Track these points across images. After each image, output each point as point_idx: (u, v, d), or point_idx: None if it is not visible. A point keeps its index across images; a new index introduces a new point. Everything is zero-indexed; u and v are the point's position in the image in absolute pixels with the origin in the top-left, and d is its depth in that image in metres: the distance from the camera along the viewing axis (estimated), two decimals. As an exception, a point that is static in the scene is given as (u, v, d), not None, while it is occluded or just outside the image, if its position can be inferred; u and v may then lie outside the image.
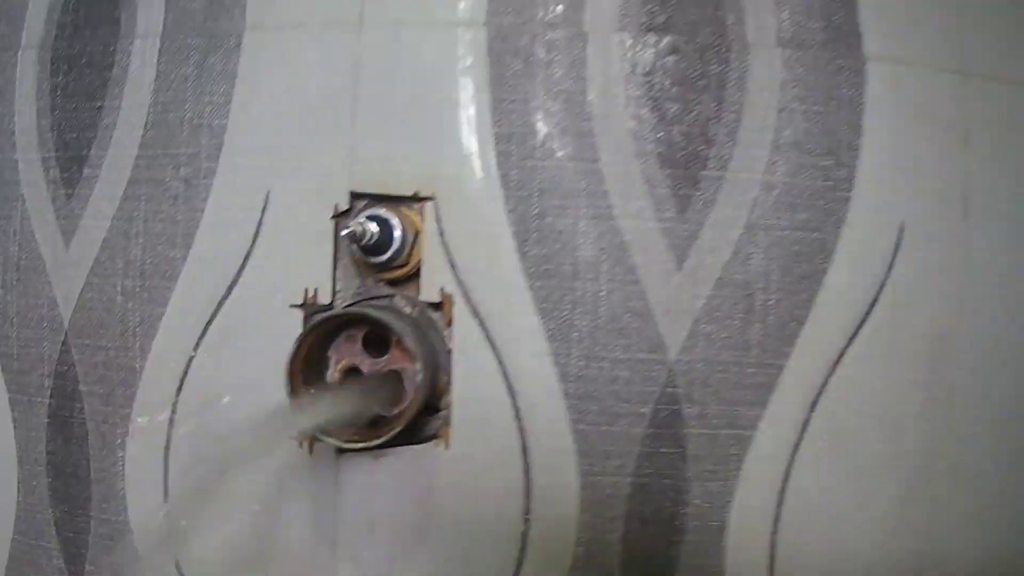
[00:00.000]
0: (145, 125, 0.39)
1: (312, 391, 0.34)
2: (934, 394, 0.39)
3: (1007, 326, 0.41)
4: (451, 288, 0.36)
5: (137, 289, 0.39)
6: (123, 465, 0.38)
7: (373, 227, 0.35)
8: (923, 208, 0.39)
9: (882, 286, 0.38)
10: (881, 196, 0.39)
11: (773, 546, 0.37)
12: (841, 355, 0.38)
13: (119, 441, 0.38)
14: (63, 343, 0.40)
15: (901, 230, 0.39)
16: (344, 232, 0.34)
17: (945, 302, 0.39)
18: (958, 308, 0.39)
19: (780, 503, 0.37)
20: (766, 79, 0.38)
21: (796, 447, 0.37)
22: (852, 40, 0.39)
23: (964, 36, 0.41)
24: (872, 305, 0.38)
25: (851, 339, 0.38)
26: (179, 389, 0.38)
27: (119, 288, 0.39)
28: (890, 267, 0.39)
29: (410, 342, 0.34)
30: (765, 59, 0.38)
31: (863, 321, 0.38)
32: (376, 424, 0.36)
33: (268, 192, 0.38)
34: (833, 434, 0.37)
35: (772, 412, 0.37)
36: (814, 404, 0.37)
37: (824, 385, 0.38)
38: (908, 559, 0.39)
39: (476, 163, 0.37)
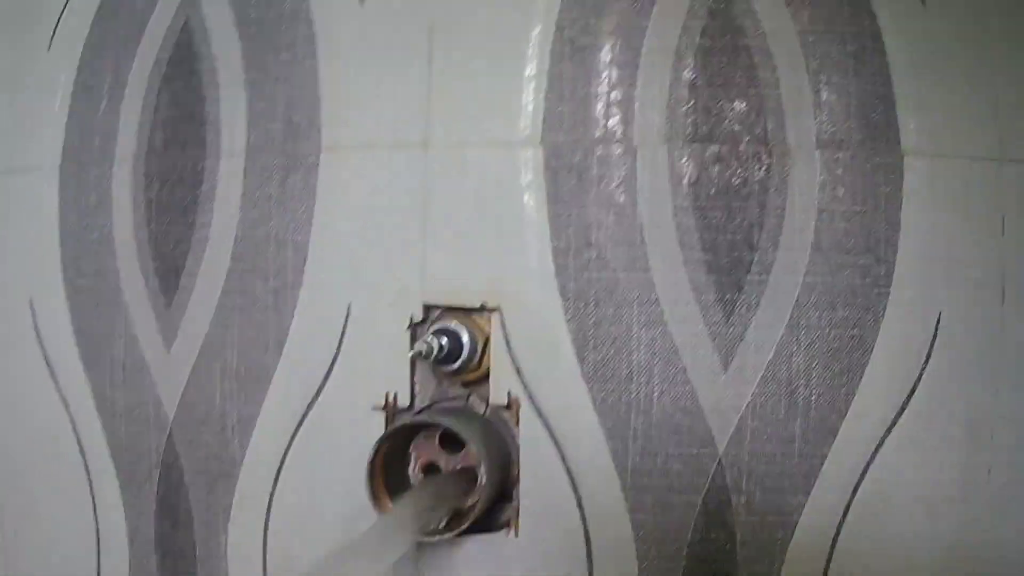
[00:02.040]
0: (235, 239, 0.43)
1: (394, 505, 0.37)
2: (971, 476, 0.41)
3: (1043, 405, 0.43)
4: (517, 391, 0.40)
5: (234, 391, 0.43)
6: (226, 548, 0.43)
7: (438, 343, 0.38)
8: (960, 297, 0.41)
9: (920, 376, 0.41)
10: (919, 289, 0.41)
11: (819, 627, 0.40)
12: (880, 443, 0.40)
13: (222, 526, 0.43)
14: (168, 437, 0.45)
15: (939, 320, 0.41)
16: (411, 353, 0.38)
17: (981, 387, 0.41)
18: (994, 391, 0.41)
19: (825, 584, 0.40)
20: (806, 182, 0.40)
21: (839, 529, 0.40)
22: (890, 135, 0.41)
23: (1000, 122, 0.42)
24: (910, 395, 0.41)
25: (890, 428, 0.40)
26: (275, 480, 0.43)
27: (218, 390, 0.43)
28: (927, 357, 0.41)
29: (475, 448, 0.38)
30: (805, 162, 0.40)
31: (902, 410, 0.40)
32: (452, 515, 0.40)
33: (349, 304, 0.42)
34: (874, 517, 0.40)
35: (815, 498, 0.40)
36: (856, 489, 0.40)
37: (865, 471, 0.40)
38: (950, 638, 0.41)
39: (536, 276, 0.40)
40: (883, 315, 0.41)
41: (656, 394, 0.40)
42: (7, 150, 0.50)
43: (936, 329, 0.41)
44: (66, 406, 0.47)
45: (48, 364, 0.48)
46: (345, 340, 0.42)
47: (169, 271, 0.45)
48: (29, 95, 0.49)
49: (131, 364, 0.46)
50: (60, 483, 0.47)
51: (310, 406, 0.42)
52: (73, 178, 0.48)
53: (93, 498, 0.47)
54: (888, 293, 0.41)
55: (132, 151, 0.46)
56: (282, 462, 0.42)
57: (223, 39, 0.45)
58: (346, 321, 0.42)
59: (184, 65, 0.45)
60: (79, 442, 0.47)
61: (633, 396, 0.40)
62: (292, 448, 0.42)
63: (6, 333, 0.49)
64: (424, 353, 0.37)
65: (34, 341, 0.48)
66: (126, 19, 0.47)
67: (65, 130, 0.48)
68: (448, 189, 0.41)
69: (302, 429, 0.42)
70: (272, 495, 0.42)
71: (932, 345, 0.41)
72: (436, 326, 0.40)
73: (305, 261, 0.42)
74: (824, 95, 0.41)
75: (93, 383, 0.46)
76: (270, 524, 0.43)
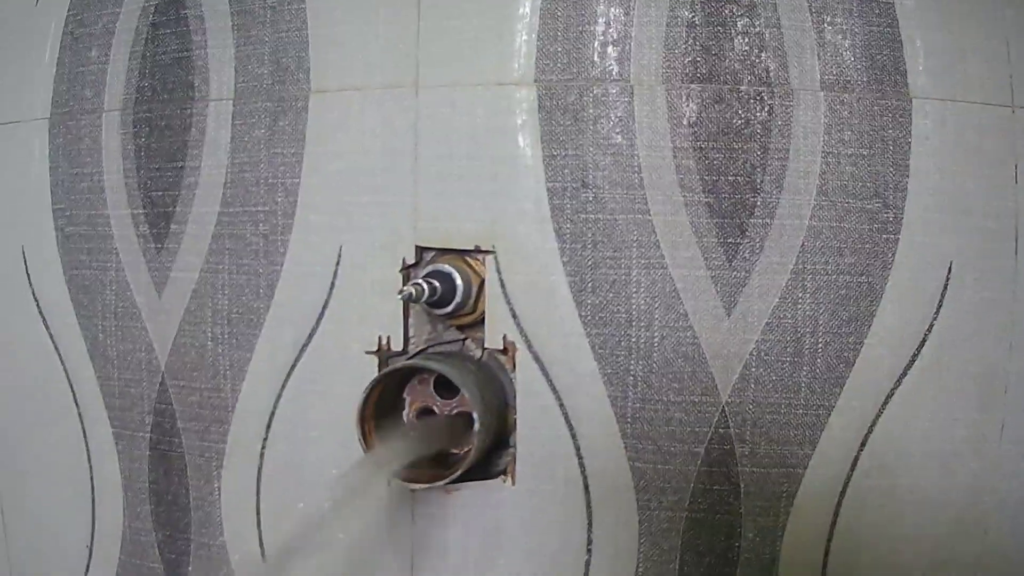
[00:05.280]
0: (224, 184, 0.43)
1: (386, 438, 0.36)
2: (983, 431, 0.40)
3: (1059, 360, 0.41)
4: (513, 336, 0.39)
5: (225, 336, 0.43)
6: (219, 494, 0.43)
7: (427, 287, 0.37)
8: (972, 246, 0.40)
9: (931, 326, 0.39)
10: (929, 236, 0.39)
11: (823, 580, 0.39)
12: (890, 395, 0.39)
13: (215, 472, 0.43)
14: (160, 383, 0.44)
15: (950, 270, 0.39)
16: (400, 295, 0.36)
17: (994, 340, 0.40)
18: (1008, 345, 0.40)
19: (830, 538, 0.39)
20: (811, 124, 0.39)
21: (846, 484, 0.39)
22: (898, 79, 0.40)
23: (1013, 67, 0.41)
24: (921, 345, 0.39)
25: (900, 379, 0.39)
26: (268, 426, 0.42)
27: (209, 335, 0.43)
28: (939, 307, 0.40)
29: (468, 394, 0.37)
30: (809, 104, 0.39)
31: (912, 361, 0.39)
32: (447, 461, 0.39)
33: (341, 247, 0.41)
34: (883, 471, 0.39)
35: (822, 451, 0.39)
36: (864, 443, 0.39)
37: (873, 424, 0.39)
38: (959, 592, 0.40)
39: (531, 218, 0.39)
40: (892, 262, 0.39)
41: (657, 339, 0.39)
42: (-2, 101, 0.49)
43: (947, 279, 0.40)
44: (59, 353, 0.47)
45: (40, 311, 0.47)
46: (337, 284, 0.41)
47: (159, 217, 0.44)
48: (18, 48, 0.48)
49: (123, 310, 0.45)
50: (54, 432, 0.47)
51: (302, 351, 0.41)
52: (63, 128, 0.47)
53: (87, 446, 0.46)
54: (897, 240, 0.39)
55: (121, 99, 0.45)
56: (274, 409, 0.42)
57: (212, -19, 0.44)
58: (337, 264, 0.41)
59: (171, 11, 0.44)
60: (72, 389, 0.47)
61: (633, 341, 0.39)
62: (284, 394, 0.41)
63: (-1, 281, 0.49)
64: (414, 296, 0.36)
65: (26, 288, 0.47)
66: (114, -34, 0.47)
67: (54, 81, 0.47)
68: (440, 131, 0.40)
69: (294, 374, 0.41)
70: (265, 441, 0.42)
71: (943, 295, 0.40)
72: (428, 269, 0.39)
73: (295, 204, 0.41)
74: (827, 35, 0.39)
75: (85, 330, 0.46)
76: (263, 471, 0.42)
